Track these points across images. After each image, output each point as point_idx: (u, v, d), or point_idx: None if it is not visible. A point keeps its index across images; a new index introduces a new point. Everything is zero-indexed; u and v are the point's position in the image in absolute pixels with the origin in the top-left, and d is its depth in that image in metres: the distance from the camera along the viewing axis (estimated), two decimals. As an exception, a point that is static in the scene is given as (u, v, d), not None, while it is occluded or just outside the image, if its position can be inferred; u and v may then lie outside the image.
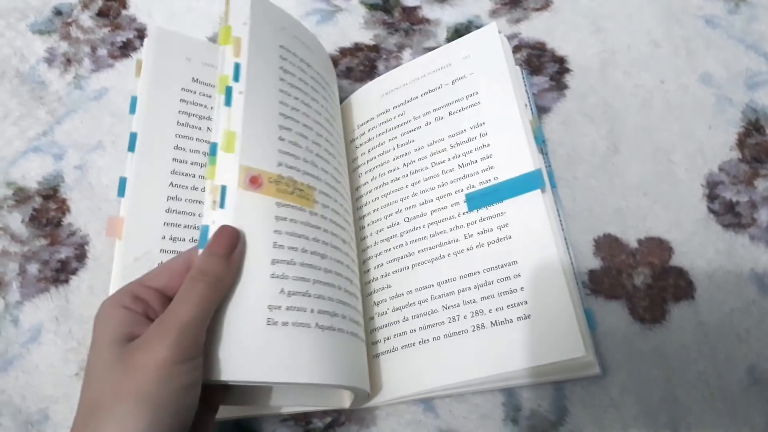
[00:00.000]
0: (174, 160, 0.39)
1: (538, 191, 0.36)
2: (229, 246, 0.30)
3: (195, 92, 0.41)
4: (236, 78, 0.35)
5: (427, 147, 0.40)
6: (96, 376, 0.27)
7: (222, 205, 0.32)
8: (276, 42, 0.38)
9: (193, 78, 0.42)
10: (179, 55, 0.42)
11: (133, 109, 0.40)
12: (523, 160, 0.37)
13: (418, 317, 0.36)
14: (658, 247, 0.38)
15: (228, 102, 0.34)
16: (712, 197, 0.39)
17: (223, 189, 0.32)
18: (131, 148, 0.38)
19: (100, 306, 0.29)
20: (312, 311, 0.31)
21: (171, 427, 0.26)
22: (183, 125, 0.40)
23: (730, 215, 0.39)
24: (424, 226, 0.39)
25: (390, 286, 0.38)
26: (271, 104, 0.35)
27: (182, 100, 0.41)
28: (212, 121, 0.34)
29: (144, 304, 0.29)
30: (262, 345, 0.29)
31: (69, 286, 0.43)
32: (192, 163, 0.40)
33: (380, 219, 0.40)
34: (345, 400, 0.35)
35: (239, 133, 0.33)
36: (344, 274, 0.35)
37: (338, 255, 0.35)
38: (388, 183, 0.41)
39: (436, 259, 0.37)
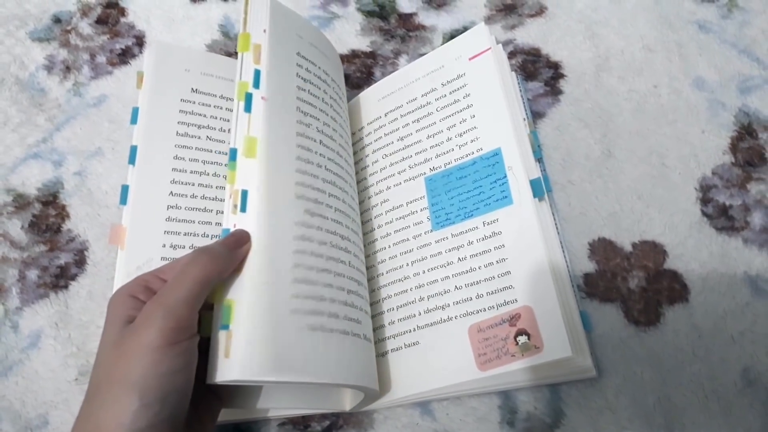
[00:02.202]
0: (174, 169, 0.40)
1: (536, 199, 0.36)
2: (238, 243, 0.31)
3: (194, 102, 0.42)
4: (256, 85, 0.35)
5: (431, 150, 0.41)
6: (98, 360, 0.28)
7: (243, 209, 0.32)
8: (294, 49, 0.38)
9: (192, 88, 0.42)
10: (178, 66, 0.42)
11: (134, 120, 0.40)
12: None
13: (417, 319, 0.37)
14: (652, 250, 0.39)
15: (248, 108, 0.34)
16: (705, 201, 0.40)
17: (245, 193, 0.32)
18: (131, 161, 0.39)
19: (113, 294, 0.30)
20: (333, 315, 0.32)
21: (161, 411, 0.27)
22: (182, 135, 0.41)
23: (723, 218, 0.39)
24: (424, 233, 0.39)
25: (390, 287, 0.38)
26: (289, 110, 0.36)
27: (181, 111, 0.41)
28: (230, 126, 0.34)
29: (153, 294, 0.30)
30: (288, 347, 0.30)
31: (68, 291, 0.43)
32: (191, 172, 0.40)
33: (377, 228, 0.41)
34: (346, 403, 0.36)
35: (260, 139, 0.33)
36: (357, 278, 0.36)
37: (352, 259, 0.36)
38: (390, 187, 0.41)
39: (438, 264, 0.38)
